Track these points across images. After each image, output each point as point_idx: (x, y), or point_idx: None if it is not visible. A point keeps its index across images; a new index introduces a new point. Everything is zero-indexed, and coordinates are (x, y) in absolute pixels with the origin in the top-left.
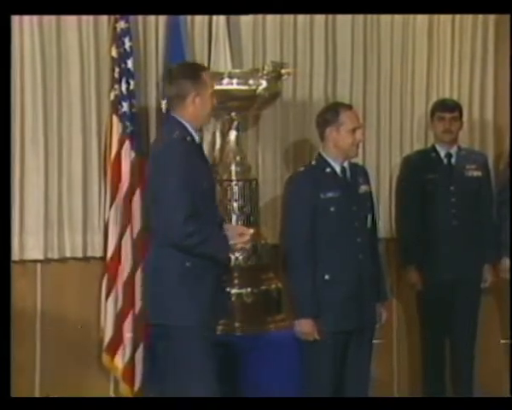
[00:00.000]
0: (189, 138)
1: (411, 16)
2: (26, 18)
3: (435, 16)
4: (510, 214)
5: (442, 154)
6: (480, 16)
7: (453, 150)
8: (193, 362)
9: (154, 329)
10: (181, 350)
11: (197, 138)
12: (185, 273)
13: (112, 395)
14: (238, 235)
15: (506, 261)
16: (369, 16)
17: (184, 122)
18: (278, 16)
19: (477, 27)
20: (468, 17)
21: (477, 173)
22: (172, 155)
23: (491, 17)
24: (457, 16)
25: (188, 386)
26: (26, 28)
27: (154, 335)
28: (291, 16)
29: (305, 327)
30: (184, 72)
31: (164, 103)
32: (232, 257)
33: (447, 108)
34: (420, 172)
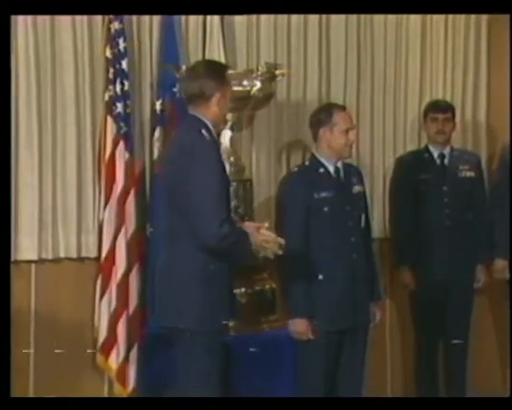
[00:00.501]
0: (210, 138)
1: (404, 16)
2: (21, 18)
3: (428, 16)
4: (510, 214)
5: (435, 154)
6: (473, 16)
7: (446, 151)
8: (209, 364)
9: (166, 332)
10: (197, 353)
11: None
12: (209, 276)
13: (106, 395)
14: (256, 231)
15: (499, 262)
16: (362, 16)
17: (206, 121)
18: (272, 16)
19: (470, 27)
20: (461, 17)
21: (470, 174)
22: (207, 157)
23: (484, 17)
24: (450, 16)
25: (201, 388)
26: (20, 28)
27: (165, 338)
28: (285, 16)
29: (300, 327)
30: (210, 71)
31: (158, 104)
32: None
33: (440, 109)
34: (413, 172)
